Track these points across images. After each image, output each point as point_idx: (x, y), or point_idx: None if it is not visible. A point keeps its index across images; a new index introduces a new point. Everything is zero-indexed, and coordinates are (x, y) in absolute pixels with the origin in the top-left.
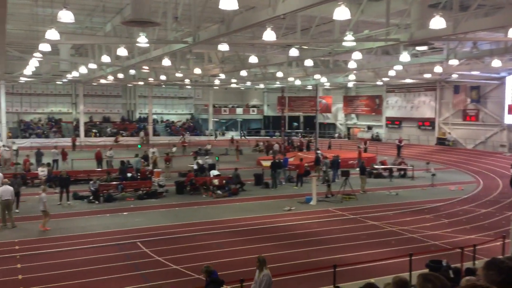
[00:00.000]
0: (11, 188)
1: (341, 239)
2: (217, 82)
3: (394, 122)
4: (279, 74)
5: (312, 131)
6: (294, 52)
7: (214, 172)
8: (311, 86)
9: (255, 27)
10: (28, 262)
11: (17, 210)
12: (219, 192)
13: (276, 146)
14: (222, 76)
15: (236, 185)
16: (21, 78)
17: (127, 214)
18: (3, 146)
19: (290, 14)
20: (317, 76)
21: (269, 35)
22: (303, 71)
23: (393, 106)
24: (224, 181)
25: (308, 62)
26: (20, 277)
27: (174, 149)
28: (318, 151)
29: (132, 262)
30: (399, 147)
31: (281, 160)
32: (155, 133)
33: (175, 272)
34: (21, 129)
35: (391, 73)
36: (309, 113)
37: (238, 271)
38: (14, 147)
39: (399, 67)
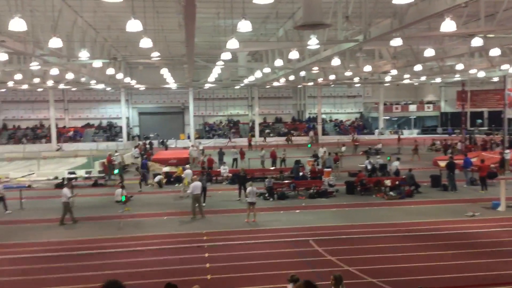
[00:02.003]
0: (200, 183)
1: None
2: (388, 78)
3: None
4: (459, 67)
5: (499, 128)
6: (477, 41)
7: (396, 163)
8: (497, 78)
9: (431, 18)
10: (214, 252)
11: (203, 204)
12: (391, 193)
13: (459, 145)
14: (394, 72)
15: (410, 186)
16: (205, 85)
17: (299, 212)
18: (192, 146)
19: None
20: (505, 66)
21: (448, 26)
22: (488, 61)
23: None
24: (397, 182)
25: (494, 52)
26: (207, 265)
27: (343, 148)
28: (507, 151)
29: (305, 259)
30: None
31: (454, 161)
32: (324, 133)
33: (348, 273)
34: (206, 130)
35: None
36: (495, 108)
37: (413, 278)
38: (200, 146)
39: None
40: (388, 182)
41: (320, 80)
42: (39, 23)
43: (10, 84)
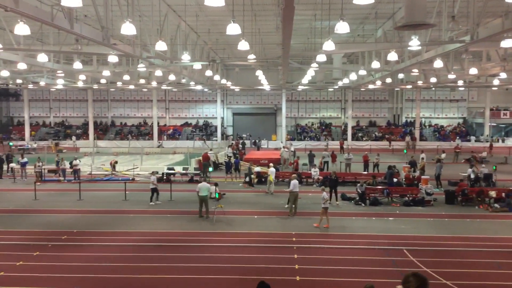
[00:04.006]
0: (297, 181)
1: None
2: (496, 82)
3: None
4: None
5: None
6: None
7: None
8: None
9: None
10: (303, 254)
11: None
12: (497, 205)
13: None
14: (503, 75)
15: None
16: (299, 87)
17: (393, 219)
18: (283, 147)
19: None
20: None
21: None
22: None
23: None
24: (503, 194)
25: None
26: (296, 266)
27: (443, 155)
28: None
29: (398, 269)
30: None
31: None
32: (422, 138)
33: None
34: (297, 132)
35: None
36: None
37: None
38: (292, 148)
39: None
40: (493, 193)
41: (420, 82)
42: (146, 28)
43: (119, 84)
